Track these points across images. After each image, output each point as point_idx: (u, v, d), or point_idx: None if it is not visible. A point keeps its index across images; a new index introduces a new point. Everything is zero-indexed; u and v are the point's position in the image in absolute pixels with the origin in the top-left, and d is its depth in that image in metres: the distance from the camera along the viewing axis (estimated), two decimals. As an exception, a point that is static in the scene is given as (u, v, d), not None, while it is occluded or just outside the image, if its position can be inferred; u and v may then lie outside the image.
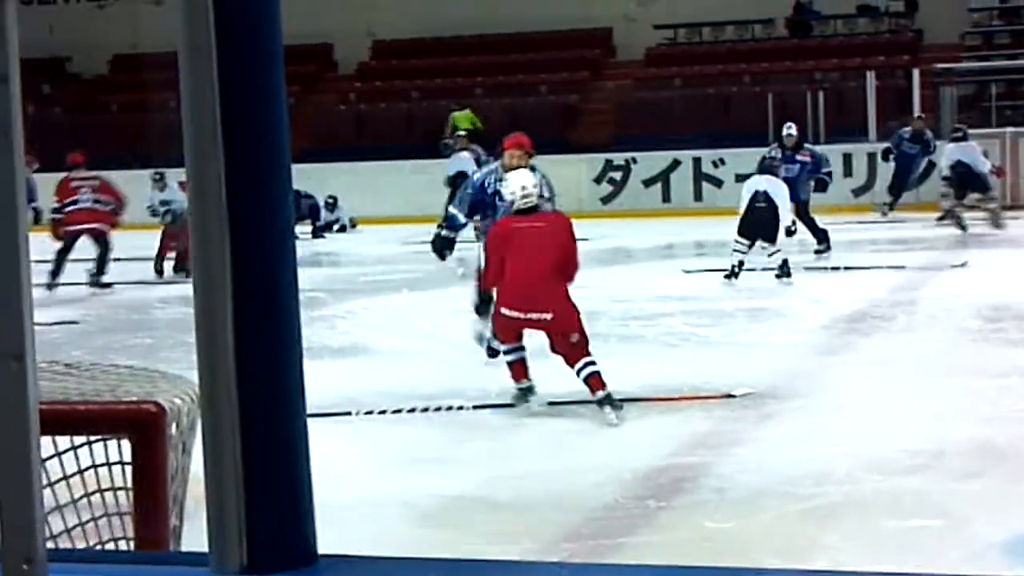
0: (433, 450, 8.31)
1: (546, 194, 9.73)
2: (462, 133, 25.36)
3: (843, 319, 12.72)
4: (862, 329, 12.19)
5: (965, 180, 21.20)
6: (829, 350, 11.21)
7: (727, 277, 15.23)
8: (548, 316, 8.90)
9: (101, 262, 17.79)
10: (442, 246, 10.83)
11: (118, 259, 19.23)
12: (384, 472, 7.81)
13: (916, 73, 26.89)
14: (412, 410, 9.18)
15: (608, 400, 8.81)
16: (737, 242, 15.34)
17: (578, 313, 9.03)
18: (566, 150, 25.38)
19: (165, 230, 19.07)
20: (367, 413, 9.15)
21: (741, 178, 25.45)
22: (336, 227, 26.42)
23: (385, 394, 9.69)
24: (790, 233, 15.80)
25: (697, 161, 26.66)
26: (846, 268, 16.60)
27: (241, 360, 1.60)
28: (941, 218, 21.53)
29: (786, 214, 15.45)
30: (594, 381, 8.85)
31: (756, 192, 15.45)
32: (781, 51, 31.75)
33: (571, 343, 8.93)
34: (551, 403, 9.23)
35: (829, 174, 18.59)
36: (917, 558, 5.81)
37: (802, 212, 17.79)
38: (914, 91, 26.39)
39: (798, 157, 17.89)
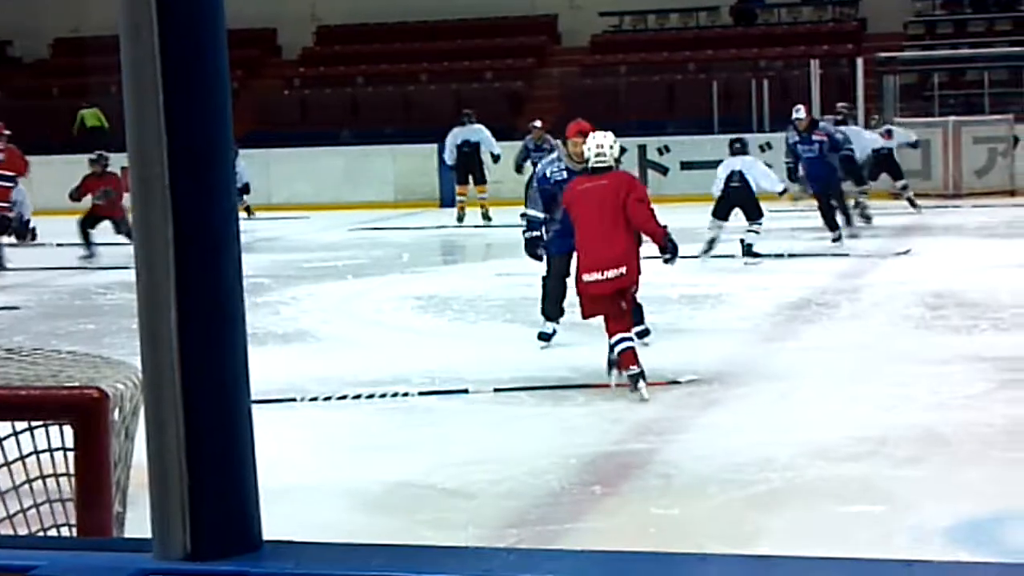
0: (378, 436, 8.30)
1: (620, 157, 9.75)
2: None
3: (787, 306, 12.79)
4: (806, 316, 12.25)
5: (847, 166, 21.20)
6: (773, 337, 11.27)
7: (704, 253, 16.02)
8: (623, 270, 9.01)
9: None
10: (533, 248, 10.73)
11: (60, 244, 19.17)
12: (329, 458, 7.80)
13: (860, 62, 27.01)
14: (357, 396, 9.17)
15: (640, 377, 8.87)
16: (712, 221, 16.28)
17: (639, 271, 9.17)
18: (512, 137, 25.30)
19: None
20: (312, 399, 9.13)
21: (686, 165, 25.69)
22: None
23: (330, 380, 9.67)
24: (783, 193, 16.96)
25: (642, 148, 26.68)
26: (790, 255, 16.69)
27: (184, 346, 1.59)
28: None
29: (774, 183, 16.44)
30: (627, 357, 8.93)
31: (731, 172, 16.24)
32: (726, 39, 31.85)
33: (627, 298, 9.13)
34: (496, 390, 9.23)
35: (852, 151, 18.56)
36: (861, 543, 5.85)
37: (835, 198, 17.98)
38: (858, 79, 26.50)
39: (814, 137, 17.85)
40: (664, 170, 26.43)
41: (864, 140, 20.76)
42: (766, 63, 29.96)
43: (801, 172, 18.33)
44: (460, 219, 22.42)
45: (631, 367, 8.91)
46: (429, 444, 8.05)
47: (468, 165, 22.51)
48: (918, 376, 9.25)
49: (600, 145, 9.46)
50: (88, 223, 18.83)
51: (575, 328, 11.47)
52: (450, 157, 22.89)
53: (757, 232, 16.27)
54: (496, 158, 22.37)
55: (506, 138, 23.61)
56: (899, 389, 8.88)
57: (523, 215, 10.92)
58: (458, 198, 22.79)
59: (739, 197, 16.12)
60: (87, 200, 19.15)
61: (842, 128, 20.09)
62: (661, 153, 26.59)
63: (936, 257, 16.17)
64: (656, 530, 6.29)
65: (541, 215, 10.62)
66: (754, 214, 16.19)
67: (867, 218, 20.10)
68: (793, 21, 32.78)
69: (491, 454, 7.69)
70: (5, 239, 18.03)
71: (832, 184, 18.00)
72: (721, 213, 16.29)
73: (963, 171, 25.11)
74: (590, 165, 9.44)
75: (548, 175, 10.61)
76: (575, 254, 9.43)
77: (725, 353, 10.40)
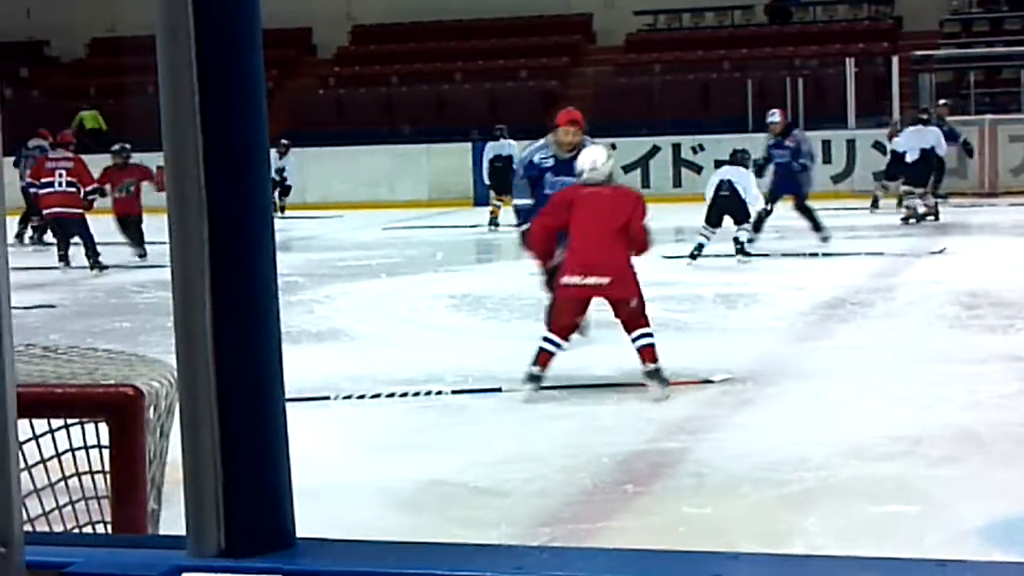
0: (411, 435, 8.31)
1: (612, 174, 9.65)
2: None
3: (822, 305, 12.75)
4: (840, 315, 12.22)
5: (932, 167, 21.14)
6: (807, 336, 11.24)
7: (691, 257, 16.21)
8: (606, 280, 8.99)
9: (89, 248, 17.86)
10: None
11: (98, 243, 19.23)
12: (362, 457, 7.81)
13: (895, 60, 26.94)
14: (391, 395, 9.18)
15: (656, 375, 8.94)
16: (704, 227, 16.42)
17: (637, 281, 9.11)
18: (545, 135, 25.41)
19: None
20: (346, 398, 9.15)
21: (720, 164, 25.65)
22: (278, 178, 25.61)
23: (363, 379, 9.69)
24: (767, 214, 16.97)
25: (676, 147, 26.69)
26: (825, 254, 16.65)
27: (219, 344, 1.60)
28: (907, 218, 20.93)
29: (754, 199, 16.39)
30: (647, 352, 8.99)
31: (720, 181, 16.45)
32: (761, 37, 31.80)
33: (631, 308, 9.06)
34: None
35: (804, 166, 18.27)
36: (895, 543, 5.83)
37: (799, 204, 17.84)
38: (893, 78, 26.43)
39: (786, 143, 17.80)
40: (698, 169, 26.39)
41: (943, 144, 20.91)
42: (801, 62, 29.89)
43: (768, 174, 18.25)
44: (493, 224, 22.39)
45: (648, 362, 8.99)
46: (462, 442, 8.06)
47: (501, 177, 22.50)
48: (953, 376, 9.21)
49: (593, 161, 9.36)
50: (125, 224, 18.95)
51: (606, 327, 11.46)
52: (485, 174, 22.97)
53: (747, 231, 16.42)
54: None
55: (540, 137, 23.62)
56: (934, 389, 8.85)
57: (515, 208, 10.92)
58: (493, 202, 22.76)
59: (727, 205, 16.29)
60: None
61: (919, 127, 20.35)
62: (695, 152, 26.57)
63: (971, 256, 16.11)
64: (689, 529, 6.28)
65: (530, 202, 10.56)
66: (740, 219, 16.36)
67: (935, 215, 20.24)
68: (828, 19, 32.71)
69: (524, 452, 7.69)
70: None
71: (798, 189, 17.91)
72: (713, 220, 16.43)
73: (999, 170, 25.02)
74: (583, 179, 9.33)
75: (535, 161, 10.67)
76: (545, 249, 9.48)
77: (759, 352, 10.38)
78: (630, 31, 32.96)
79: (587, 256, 9.05)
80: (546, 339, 9.10)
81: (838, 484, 6.84)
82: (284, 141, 25.91)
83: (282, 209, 25.72)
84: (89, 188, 18.10)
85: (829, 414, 8.34)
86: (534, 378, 9.00)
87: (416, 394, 9.17)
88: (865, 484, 6.82)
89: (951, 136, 22.88)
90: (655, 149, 26.86)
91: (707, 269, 15.23)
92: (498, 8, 32.40)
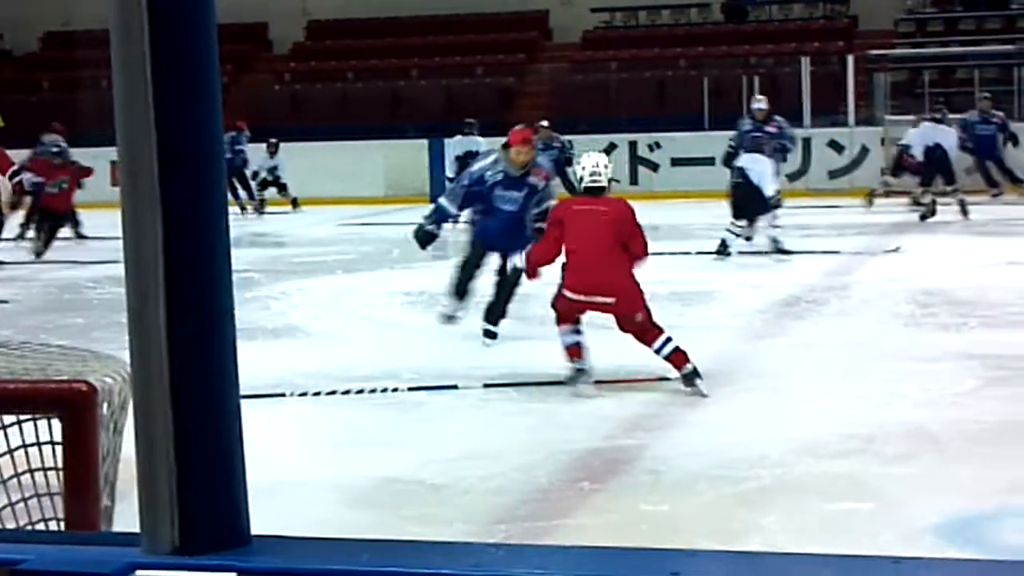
0: (367, 432, 8.29)
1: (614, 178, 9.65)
2: None
3: (777, 303, 12.79)
4: (796, 313, 12.26)
5: (940, 165, 21.39)
6: (763, 334, 11.27)
7: (779, 253, 16.09)
8: (611, 300, 8.99)
9: None
10: (425, 239, 11.02)
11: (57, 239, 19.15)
12: (317, 454, 7.79)
13: (850, 59, 27.03)
14: (346, 392, 9.16)
15: (693, 375, 8.94)
16: (734, 224, 16.08)
17: (641, 293, 9.10)
18: (502, 132, 25.32)
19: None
20: (301, 395, 9.12)
21: (677, 162, 25.76)
22: (264, 176, 25.91)
23: (319, 375, 9.66)
24: (776, 205, 16.39)
25: (633, 144, 26.70)
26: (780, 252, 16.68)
27: (173, 340, 1.59)
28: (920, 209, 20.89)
29: (765, 188, 15.96)
30: (676, 358, 8.99)
31: (737, 168, 16.18)
32: (717, 35, 31.86)
33: (636, 323, 9.04)
34: (486, 385, 9.23)
35: (785, 147, 18.22)
36: (849, 540, 5.86)
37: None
38: (848, 77, 26.53)
39: (767, 129, 17.73)
40: (654, 167, 26.45)
41: (952, 139, 21.27)
42: (757, 60, 29.96)
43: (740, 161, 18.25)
44: (454, 220, 22.31)
45: (683, 366, 8.98)
46: (418, 440, 8.05)
47: None
48: (908, 373, 9.25)
49: (596, 165, 9.38)
50: (48, 217, 18.76)
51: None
52: (451, 169, 22.79)
53: (736, 233, 16.14)
54: None
55: (497, 134, 23.60)
56: (889, 386, 8.89)
57: (437, 204, 11.14)
58: None
59: (742, 194, 16.01)
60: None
61: (928, 124, 20.60)
62: (652, 149, 26.60)
63: (926, 254, 16.18)
64: (645, 526, 6.29)
65: (453, 212, 10.95)
66: (748, 213, 16.06)
67: (965, 212, 20.35)
68: (784, 18, 32.80)
69: (480, 450, 7.69)
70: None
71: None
72: (738, 213, 16.23)
73: (953, 170, 25.10)
74: (583, 185, 9.40)
75: (485, 178, 10.80)
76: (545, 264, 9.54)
77: (715, 350, 10.39)
78: (587, 28, 32.98)
79: (589, 276, 9.04)
80: (563, 334, 9.13)
81: (793, 481, 6.86)
82: (273, 140, 26.05)
83: (294, 203, 25.96)
84: (10, 172, 17.91)
85: (784, 412, 8.37)
86: (580, 371, 9.03)
87: (372, 391, 9.16)
88: (820, 482, 6.85)
89: (1003, 128, 23.30)
90: (611, 146, 26.85)
91: (662, 267, 15.24)
92: (454, 5, 32.36)
